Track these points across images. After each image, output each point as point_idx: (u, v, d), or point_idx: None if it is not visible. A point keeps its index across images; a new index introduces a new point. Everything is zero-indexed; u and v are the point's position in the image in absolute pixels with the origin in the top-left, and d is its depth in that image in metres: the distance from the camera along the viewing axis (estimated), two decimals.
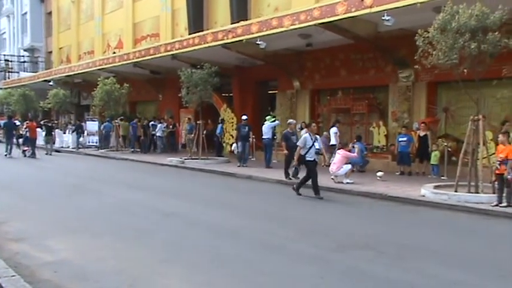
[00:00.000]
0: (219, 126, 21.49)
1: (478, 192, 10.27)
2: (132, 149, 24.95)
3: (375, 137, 17.11)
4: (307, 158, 11.24)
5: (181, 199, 11.15)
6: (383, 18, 12.64)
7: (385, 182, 13.04)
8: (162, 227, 8.25)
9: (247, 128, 17.85)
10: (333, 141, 16.25)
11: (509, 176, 9.34)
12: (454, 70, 10.06)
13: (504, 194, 9.47)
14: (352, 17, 13.52)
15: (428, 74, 14.91)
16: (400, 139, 14.98)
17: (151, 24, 28.88)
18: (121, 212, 9.47)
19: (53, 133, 25.58)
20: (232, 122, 22.14)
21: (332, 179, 13.19)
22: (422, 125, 14.76)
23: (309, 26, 14.70)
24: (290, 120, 14.82)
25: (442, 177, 13.61)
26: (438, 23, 9.86)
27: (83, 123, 29.10)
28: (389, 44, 15.39)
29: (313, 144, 11.27)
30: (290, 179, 13.61)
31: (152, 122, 25.27)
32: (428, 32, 9.91)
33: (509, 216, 8.97)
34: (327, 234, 7.67)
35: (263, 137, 17.58)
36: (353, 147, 14.67)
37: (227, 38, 17.61)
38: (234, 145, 17.69)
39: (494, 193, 9.96)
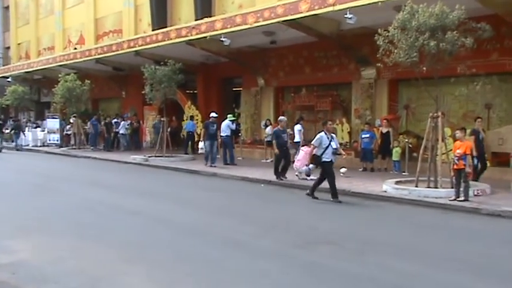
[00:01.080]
0: (190, 122, 21.30)
1: (437, 187, 10.54)
2: (93, 147, 24.48)
3: (338, 134, 17.29)
4: (324, 159, 10.38)
5: (145, 197, 11.03)
6: (345, 16, 12.81)
7: (348, 178, 13.21)
8: (124, 225, 8.14)
9: (215, 126, 16.86)
10: (297, 139, 16.35)
11: (469, 170, 9.66)
12: (414, 68, 10.28)
13: (461, 189, 9.75)
14: (315, 14, 13.66)
15: (389, 72, 15.21)
16: (363, 136, 15.22)
17: (113, 19, 28.41)
18: (82, 211, 9.29)
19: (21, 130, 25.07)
20: (197, 120, 22.04)
21: (296, 175, 13.29)
22: (384, 121, 15.03)
23: (273, 23, 14.77)
24: (281, 118, 13.96)
25: (404, 173, 13.89)
26: (398, 22, 10.05)
27: (28, 123, 28.51)
28: (352, 42, 15.60)
29: (329, 144, 10.41)
30: (281, 179, 13.04)
31: (115, 120, 24.86)
32: (389, 31, 10.09)
33: (466, 210, 9.23)
34: (290, 230, 7.73)
35: (221, 134, 17.56)
36: None
37: (191, 35, 17.50)
38: (201, 144, 16.81)
39: (452, 188, 10.24)
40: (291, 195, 11.58)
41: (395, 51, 10.11)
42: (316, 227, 7.99)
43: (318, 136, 10.61)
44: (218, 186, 13.32)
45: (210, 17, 18.89)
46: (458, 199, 9.70)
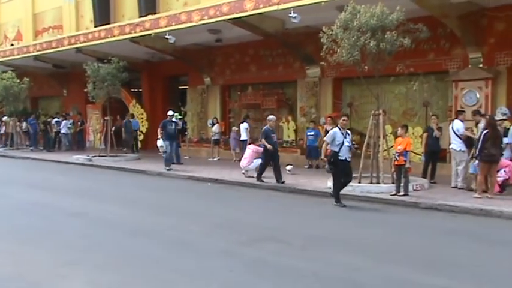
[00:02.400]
0: (134, 120, 20.90)
1: (379, 183, 10.86)
2: (32, 148, 23.57)
3: (284, 131, 17.53)
4: (340, 158, 9.57)
5: (88, 198, 10.74)
6: (290, 15, 12.95)
7: (294, 175, 13.39)
8: (66, 227, 7.89)
9: (173, 124, 16.10)
10: (243, 137, 16.41)
11: (409, 166, 10.05)
12: (356, 67, 10.54)
13: (402, 184, 10.09)
14: (260, 13, 13.73)
15: (333, 71, 15.52)
16: (308, 133, 15.46)
17: (53, 15, 27.41)
18: (21, 214, 8.94)
19: None
20: (142, 118, 21.68)
21: (243, 173, 13.33)
22: (329, 119, 15.26)
23: (218, 21, 14.73)
24: (270, 117, 13.01)
25: None
26: (341, 22, 10.27)
27: None
28: (296, 41, 15.79)
29: (343, 141, 9.59)
30: (262, 181, 12.32)
31: (56, 119, 24.02)
32: (332, 30, 10.29)
33: (406, 204, 9.56)
34: (236, 228, 7.74)
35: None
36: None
37: (135, 32, 17.19)
38: (160, 142, 15.39)
39: (393, 183, 10.59)
40: (238, 193, 11.61)
41: (338, 50, 10.33)
42: (263, 225, 8.05)
43: (330, 132, 9.84)
44: (164, 185, 13.16)
45: (155, 14, 18.63)
46: (398, 194, 10.03)
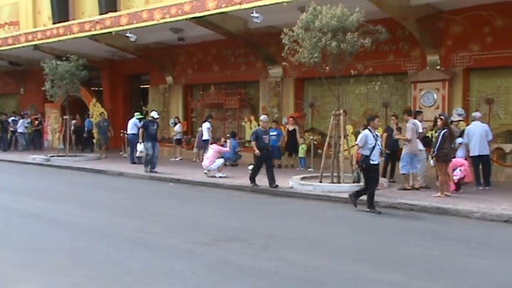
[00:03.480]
0: (87, 120, 20.51)
1: (339, 182, 10.99)
2: None
3: (246, 131, 17.53)
4: (371, 161, 8.85)
5: (44, 199, 10.47)
6: (252, 15, 12.97)
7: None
8: (20, 229, 7.66)
9: (155, 125, 14.87)
10: (205, 137, 16.31)
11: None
12: (317, 67, 10.64)
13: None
14: (223, 12, 13.71)
15: (295, 71, 15.64)
16: (271, 133, 15.42)
17: (9, 11, 26.56)
18: None
19: None
20: (106, 118, 21.27)
21: (205, 173, 13.26)
22: (291, 119, 15.42)
23: (180, 20, 14.62)
24: (262, 117, 12.40)
25: (309, 169, 14.35)
26: (302, 22, 10.34)
27: None
28: (259, 41, 15.83)
29: (376, 144, 8.90)
30: (255, 185, 11.56)
31: (13, 118, 23.29)
32: (294, 31, 10.35)
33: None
34: (198, 229, 7.69)
35: (127, 132, 17.13)
36: (225, 141, 14.86)
37: (95, 30, 16.86)
38: (140, 146, 14.36)
39: (354, 182, 10.73)
40: (200, 193, 11.54)
41: (300, 50, 10.41)
42: (224, 225, 8.02)
43: (362, 134, 9.01)
44: (125, 185, 12.95)
45: (115, 11, 18.35)
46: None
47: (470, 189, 10.58)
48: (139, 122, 17.13)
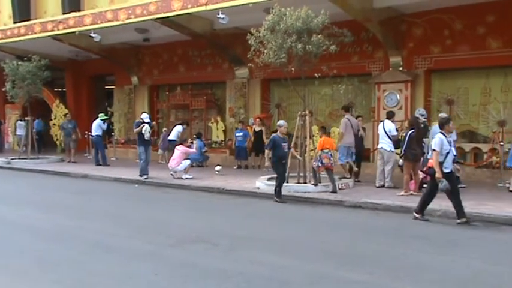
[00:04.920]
0: (36, 121, 20.04)
1: (306, 183, 11.08)
2: None
3: (213, 132, 17.50)
4: (444, 169, 7.89)
5: (5, 203, 10.20)
6: (218, 16, 12.95)
7: (223, 176, 13.40)
8: None
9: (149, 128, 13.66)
10: (172, 137, 16.19)
11: (315, 163, 10.57)
12: (283, 68, 10.70)
13: (318, 180, 10.47)
14: (188, 13, 13.65)
15: (262, 72, 15.69)
16: (237, 134, 15.52)
17: None
18: None
19: None
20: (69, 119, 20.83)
21: (171, 174, 13.16)
22: (257, 120, 15.46)
23: (145, 20, 14.49)
24: (281, 122, 10.84)
25: None
26: (268, 24, 10.39)
27: None
28: (225, 42, 15.82)
29: (450, 149, 8.01)
30: (281, 200, 10.09)
31: None
32: (259, 32, 10.39)
33: (332, 203, 9.82)
34: (163, 230, 7.63)
35: (92, 134, 16.86)
36: (192, 143, 14.79)
37: (57, 29, 16.52)
38: (142, 149, 13.31)
39: (320, 182, 10.86)
40: (166, 195, 11.46)
41: (266, 51, 10.45)
42: (190, 226, 7.98)
43: (438, 139, 8.00)
44: (89, 188, 12.73)
45: (79, 11, 18.01)
46: (332, 191, 10.40)
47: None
48: (104, 123, 16.92)
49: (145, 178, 12.97)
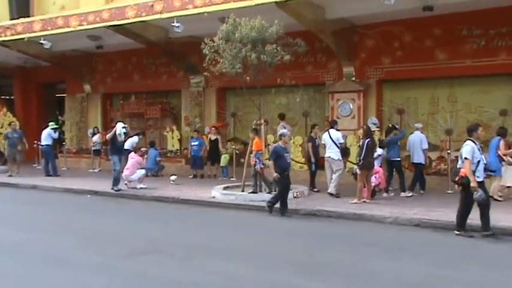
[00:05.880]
0: None
1: (261, 191, 11.11)
2: None
3: (168, 141, 17.32)
4: (477, 179, 7.44)
5: None
6: (173, 24, 12.88)
7: (179, 185, 13.27)
8: None
9: (123, 136, 12.85)
10: (125, 146, 15.87)
11: (258, 166, 10.79)
12: (238, 78, 10.75)
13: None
14: (143, 21, 13.51)
15: (217, 81, 15.67)
16: (193, 143, 15.41)
17: None
18: None
19: None
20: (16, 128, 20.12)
21: (125, 184, 12.92)
22: (213, 129, 15.41)
23: (98, 28, 14.24)
24: (283, 131, 10.27)
25: (232, 179, 14.38)
26: (223, 33, 10.42)
27: None
28: (180, 50, 15.74)
29: (481, 158, 7.61)
30: (286, 213, 9.56)
31: None
32: (214, 42, 10.41)
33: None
34: (116, 242, 7.48)
35: (41, 143, 16.35)
36: (146, 152, 14.58)
37: (5, 35, 16.01)
38: (115, 158, 12.61)
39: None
40: (120, 205, 11.25)
41: (221, 61, 10.47)
42: (144, 236, 7.85)
43: (469, 147, 7.54)
44: (38, 199, 12.33)
45: (28, 17, 17.49)
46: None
47: (385, 195, 11.08)
48: (55, 132, 16.43)
49: (117, 190, 12.36)
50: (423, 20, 12.43)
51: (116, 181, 12.43)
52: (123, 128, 12.65)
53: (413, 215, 8.95)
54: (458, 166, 7.73)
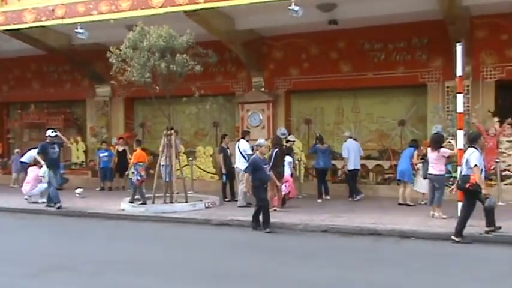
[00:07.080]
0: None
1: (172, 202, 10.94)
2: None
3: (73, 153, 16.53)
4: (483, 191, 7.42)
5: None
6: (76, 30, 12.35)
7: (85, 198, 12.72)
8: None
9: (56, 147, 11.76)
10: (24, 159, 14.90)
11: (134, 178, 11.19)
12: (148, 87, 10.53)
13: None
14: (42, 26, 12.83)
15: (125, 90, 15.15)
16: (101, 155, 14.85)
17: None
18: None
19: None
20: None
21: (25, 199, 12.14)
22: (120, 140, 14.96)
23: None
24: (261, 141, 9.37)
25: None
26: (130, 41, 10.18)
27: None
28: (84, 58, 15.12)
29: (483, 166, 7.60)
30: (269, 231, 8.72)
31: None
32: (121, 50, 10.13)
33: (199, 221, 9.78)
34: (20, 260, 6.98)
35: None
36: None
37: None
38: (42, 170, 11.75)
39: (186, 202, 10.81)
40: (22, 221, 10.53)
41: (129, 69, 10.21)
42: (51, 253, 7.40)
43: (476, 154, 7.47)
44: None
45: None
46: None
47: (296, 203, 11.31)
48: None
49: (59, 207, 11.18)
50: (329, 33, 12.95)
51: (54, 198, 11.30)
52: (52, 132, 11.79)
53: (321, 221, 9.23)
54: (463, 173, 7.63)
